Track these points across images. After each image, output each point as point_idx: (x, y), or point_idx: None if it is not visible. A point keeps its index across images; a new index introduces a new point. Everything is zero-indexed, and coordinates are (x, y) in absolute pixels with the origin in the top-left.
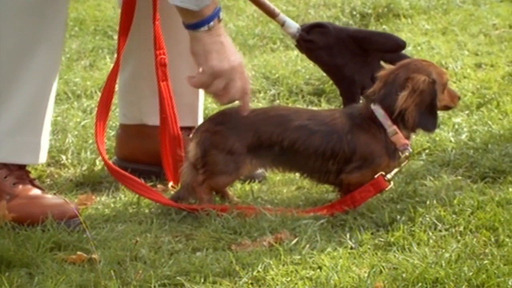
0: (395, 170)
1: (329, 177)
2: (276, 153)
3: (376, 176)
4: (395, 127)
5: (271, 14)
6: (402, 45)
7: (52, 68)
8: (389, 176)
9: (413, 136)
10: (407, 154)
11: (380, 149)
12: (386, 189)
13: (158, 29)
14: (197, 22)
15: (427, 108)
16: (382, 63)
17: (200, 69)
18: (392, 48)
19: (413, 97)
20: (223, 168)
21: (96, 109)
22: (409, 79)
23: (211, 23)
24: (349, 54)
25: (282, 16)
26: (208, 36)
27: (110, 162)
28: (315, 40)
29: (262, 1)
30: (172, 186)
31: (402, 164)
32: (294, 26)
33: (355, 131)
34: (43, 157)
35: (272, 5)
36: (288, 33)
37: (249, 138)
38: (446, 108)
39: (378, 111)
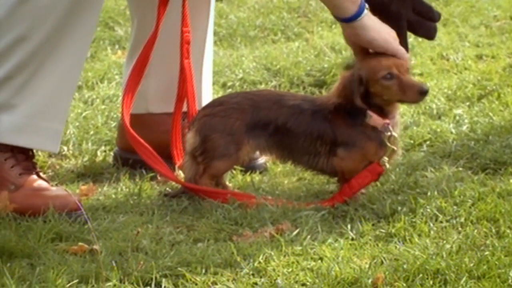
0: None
1: (319, 161)
2: (271, 132)
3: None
4: (369, 112)
5: None
6: None
7: (80, 59)
8: (384, 160)
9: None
10: (388, 134)
11: (357, 134)
12: (383, 173)
13: (186, 6)
14: (358, 10)
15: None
16: None
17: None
18: None
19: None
20: (223, 151)
21: (126, 80)
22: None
23: (366, 6)
24: None
25: None
26: (370, 18)
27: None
28: None
29: None
30: (179, 167)
31: (393, 146)
32: None
33: (335, 112)
34: (58, 146)
35: None
36: None
37: (248, 115)
38: (401, 101)
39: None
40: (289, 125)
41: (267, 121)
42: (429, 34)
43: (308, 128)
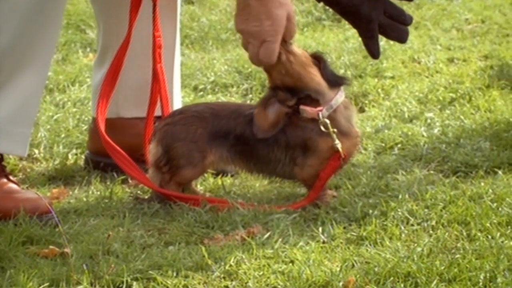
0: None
1: (284, 169)
2: (232, 143)
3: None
4: (302, 106)
5: None
6: None
7: (47, 62)
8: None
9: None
10: (320, 118)
11: (304, 132)
12: (342, 155)
13: (157, 10)
14: None
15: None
16: None
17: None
18: None
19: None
20: (188, 160)
21: (100, 86)
22: None
23: None
24: None
25: None
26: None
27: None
28: None
29: None
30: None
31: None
32: None
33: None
34: (27, 150)
35: None
36: None
37: (209, 124)
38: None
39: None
40: (247, 134)
41: (227, 130)
42: (401, 38)
43: None
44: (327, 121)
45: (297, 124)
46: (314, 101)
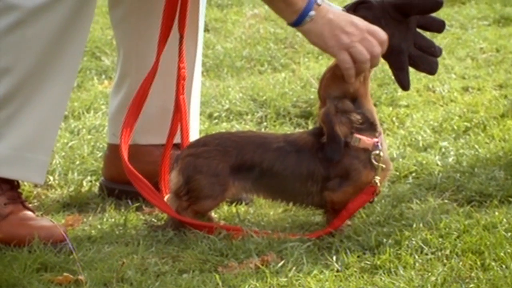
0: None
1: (313, 199)
2: (257, 176)
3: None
4: (356, 134)
5: None
6: (440, 3)
7: (67, 90)
8: (376, 178)
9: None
10: (377, 152)
11: (350, 162)
12: (377, 192)
13: (183, 42)
14: (298, 18)
15: (329, 137)
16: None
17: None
18: (433, 7)
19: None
20: (209, 192)
21: (125, 115)
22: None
23: (311, 12)
24: (393, 23)
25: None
26: (313, 24)
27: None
28: (364, 16)
29: None
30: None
31: (382, 165)
32: (338, 8)
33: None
34: (44, 178)
35: None
36: None
37: (232, 158)
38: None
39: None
40: (276, 169)
41: (252, 164)
42: (431, 69)
43: (296, 169)
44: (382, 154)
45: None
46: (370, 130)
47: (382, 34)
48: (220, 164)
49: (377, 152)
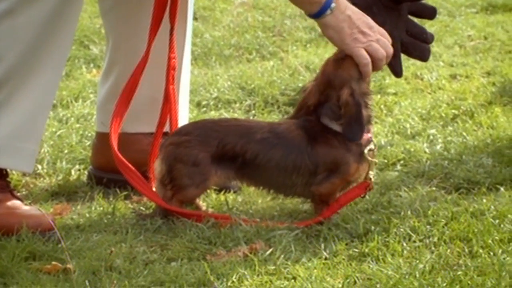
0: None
1: (296, 190)
2: (239, 165)
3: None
4: None
5: None
6: None
7: (56, 78)
8: (370, 174)
9: (371, 128)
10: (372, 147)
11: (343, 156)
12: (370, 187)
13: (174, 33)
14: (320, 9)
15: (354, 118)
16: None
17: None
18: None
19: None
20: (190, 181)
21: (115, 104)
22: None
23: (332, 5)
24: (385, 10)
25: None
26: (333, 17)
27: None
28: (356, 3)
29: None
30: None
31: (373, 159)
32: None
33: (314, 144)
34: (33, 166)
35: None
36: None
37: (213, 147)
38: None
39: (329, 123)
40: (259, 160)
41: (234, 154)
42: (423, 56)
43: (281, 162)
44: (376, 149)
45: (331, 145)
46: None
47: (389, 38)
48: (201, 154)
49: (372, 147)
